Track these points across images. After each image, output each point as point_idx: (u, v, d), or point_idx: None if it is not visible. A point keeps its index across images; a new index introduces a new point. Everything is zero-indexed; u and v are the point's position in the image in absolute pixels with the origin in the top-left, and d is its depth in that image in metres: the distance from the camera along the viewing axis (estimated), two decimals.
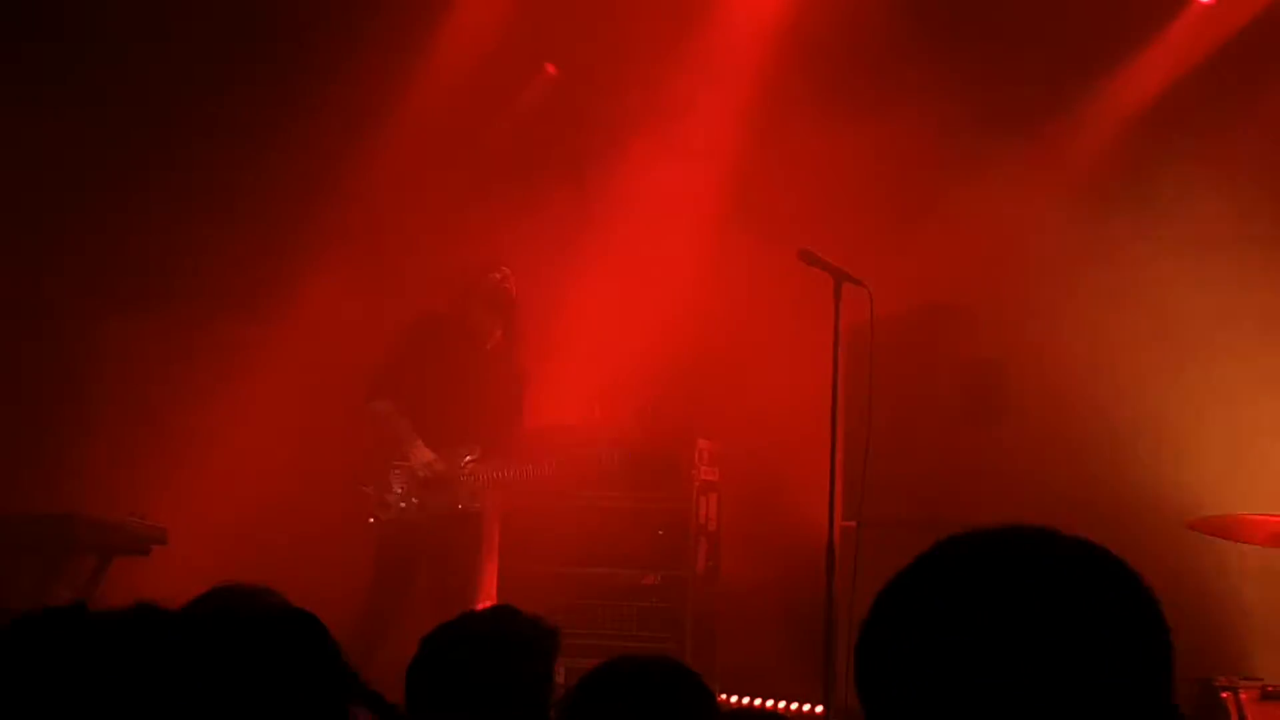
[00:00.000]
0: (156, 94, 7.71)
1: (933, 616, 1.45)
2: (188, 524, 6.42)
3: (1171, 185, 6.64)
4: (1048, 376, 6.66)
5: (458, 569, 6.73)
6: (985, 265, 6.80)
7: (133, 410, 7.67)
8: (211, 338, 7.85)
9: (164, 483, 7.17)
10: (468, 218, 7.30)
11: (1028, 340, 6.69)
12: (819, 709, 7.02)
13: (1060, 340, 6.67)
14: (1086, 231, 6.75)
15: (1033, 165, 7.02)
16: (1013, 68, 6.92)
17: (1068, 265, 6.79)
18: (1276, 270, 6.45)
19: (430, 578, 6.68)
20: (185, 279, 7.86)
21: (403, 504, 6.66)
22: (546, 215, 7.57)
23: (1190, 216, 6.52)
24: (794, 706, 7.27)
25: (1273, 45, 6.79)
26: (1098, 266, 6.72)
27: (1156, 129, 6.97)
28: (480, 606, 6.66)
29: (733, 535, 7.42)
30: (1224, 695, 5.00)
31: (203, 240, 7.85)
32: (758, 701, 7.35)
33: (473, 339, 6.74)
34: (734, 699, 7.28)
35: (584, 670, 2.66)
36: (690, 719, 2.65)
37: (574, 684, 2.66)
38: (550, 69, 8.35)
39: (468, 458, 6.66)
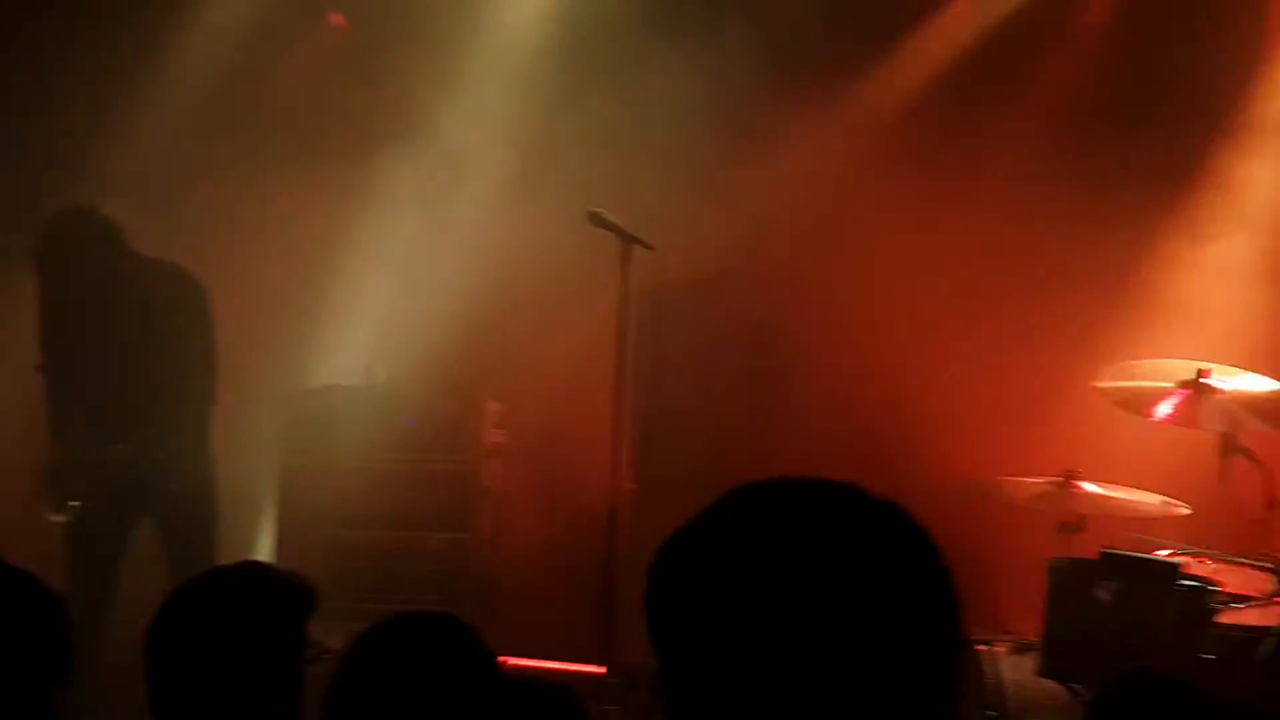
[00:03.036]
0: None
1: (729, 558, 1.45)
2: None
3: (967, 145, 6.77)
4: (834, 339, 6.78)
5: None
6: (775, 229, 6.87)
7: None
8: None
9: None
10: (245, 180, 7.11)
11: (815, 303, 6.80)
12: (602, 669, 7.05)
13: (847, 303, 6.79)
14: (881, 194, 6.85)
15: (828, 127, 7.07)
16: (812, 26, 6.97)
17: (861, 228, 6.89)
18: (1066, 236, 6.64)
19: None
20: None
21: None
22: (331, 176, 7.40)
23: (986, 180, 6.68)
24: (576, 667, 7.30)
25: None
26: (890, 228, 6.84)
27: (958, 88, 7.05)
28: None
29: (520, 498, 7.41)
30: (979, 649, 5.19)
31: None
32: (540, 663, 7.37)
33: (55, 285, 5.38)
34: (517, 661, 7.28)
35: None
36: (467, 675, 2.63)
37: (345, 647, 2.59)
38: (336, 19, 8.13)
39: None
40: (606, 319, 5.90)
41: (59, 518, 5.40)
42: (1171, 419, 5.32)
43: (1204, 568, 5.07)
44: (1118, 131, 6.74)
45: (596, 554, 5.53)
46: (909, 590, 1.45)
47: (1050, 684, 4.91)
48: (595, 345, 6.20)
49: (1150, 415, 5.35)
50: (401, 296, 7.29)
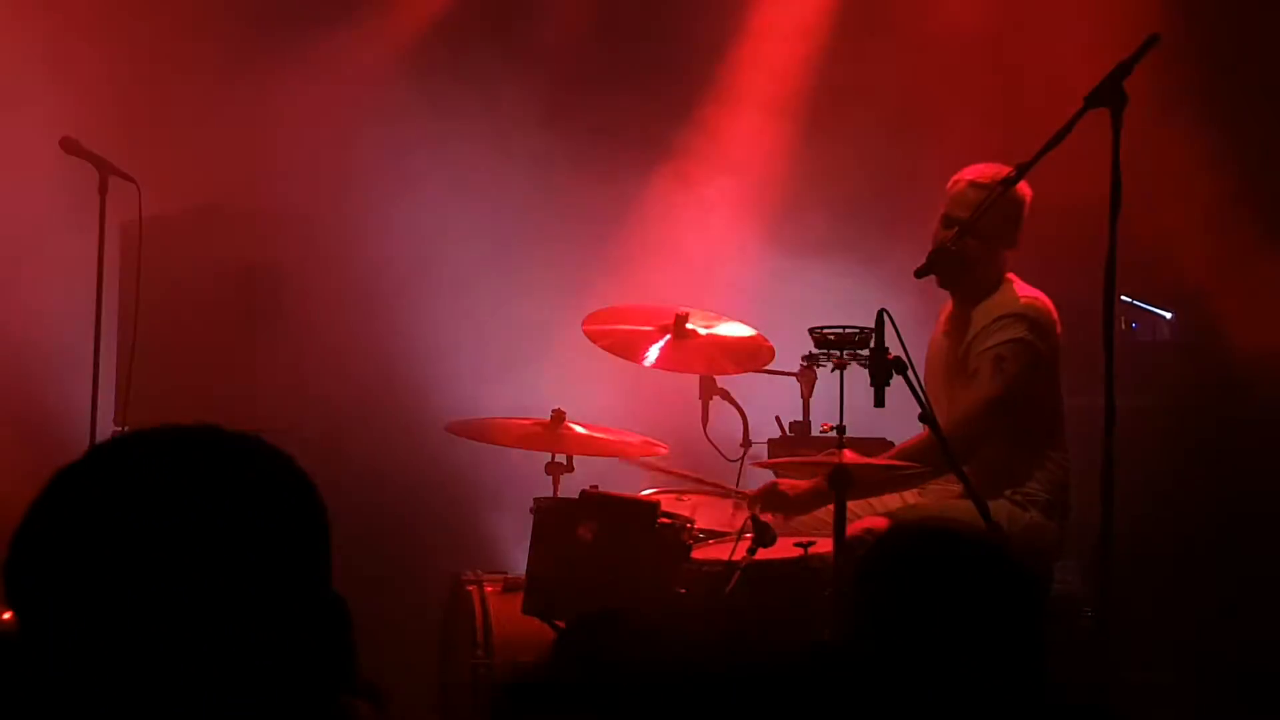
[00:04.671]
0: None
1: (86, 518, 1.42)
2: None
3: (484, 89, 6.75)
4: (330, 281, 6.66)
5: None
6: (268, 166, 6.65)
7: None
8: None
9: None
10: None
11: (310, 244, 6.65)
12: None
13: (343, 244, 6.68)
14: (391, 136, 6.77)
15: (333, 61, 6.89)
16: None
17: (366, 170, 6.78)
18: (574, 182, 6.73)
19: None
20: None
21: None
22: None
23: (498, 124, 6.69)
24: None
25: None
26: (389, 168, 6.76)
27: (470, 32, 7.01)
28: None
29: None
30: (470, 589, 5.21)
31: None
32: None
33: None
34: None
35: None
36: None
37: None
38: None
39: None
40: (86, 253, 5.64)
41: None
42: (657, 364, 5.47)
43: (683, 505, 5.26)
44: (619, 83, 6.93)
45: None
46: (275, 532, 1.43)
47: (535, 621, 4.98)
48: (75, 282, 5.90)
49: (641, 360, 5.47)
50: None
